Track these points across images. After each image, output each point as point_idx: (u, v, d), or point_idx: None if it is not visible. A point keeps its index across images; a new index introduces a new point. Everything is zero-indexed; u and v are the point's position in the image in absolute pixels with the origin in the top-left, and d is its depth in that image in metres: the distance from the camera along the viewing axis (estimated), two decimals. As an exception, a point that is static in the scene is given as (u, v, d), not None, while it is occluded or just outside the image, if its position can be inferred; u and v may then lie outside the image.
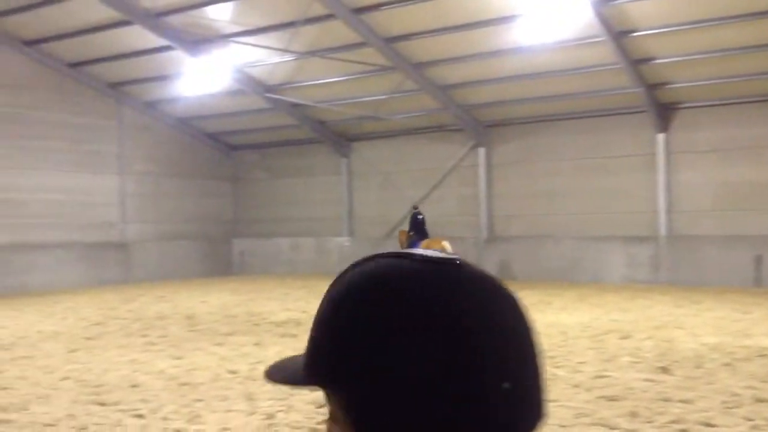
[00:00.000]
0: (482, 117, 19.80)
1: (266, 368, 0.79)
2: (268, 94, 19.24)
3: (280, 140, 23.10)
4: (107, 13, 16.33)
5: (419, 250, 0.77)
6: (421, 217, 19.08)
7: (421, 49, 16.82)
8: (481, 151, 20.10)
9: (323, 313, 0.76)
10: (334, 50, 17.08)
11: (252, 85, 19.25)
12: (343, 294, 0.74)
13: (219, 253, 23.94)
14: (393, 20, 15.76)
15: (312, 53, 17.35)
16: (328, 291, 0.77)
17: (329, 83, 18.86)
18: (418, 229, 18.92)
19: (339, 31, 16.09)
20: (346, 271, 0.77)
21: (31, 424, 5.81)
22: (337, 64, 17.55)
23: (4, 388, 7.18)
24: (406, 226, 20.55)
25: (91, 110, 20.34)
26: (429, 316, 0.70)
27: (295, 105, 20.26)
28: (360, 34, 15.94)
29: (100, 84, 20.38)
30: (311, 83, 19.05)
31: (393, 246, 21.53)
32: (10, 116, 18.48)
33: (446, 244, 18.58)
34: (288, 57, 17.37)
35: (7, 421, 5.90)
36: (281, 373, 0.77)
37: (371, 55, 16.82)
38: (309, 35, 16.55)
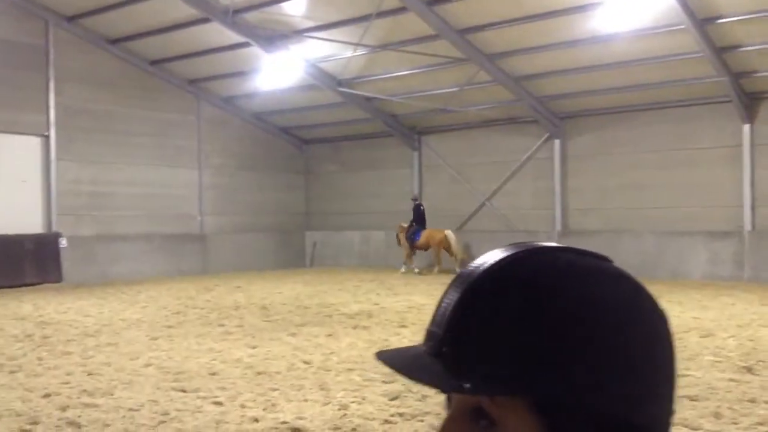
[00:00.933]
0: (557, 108, 19.40)
1: (389, 359, 0.74)
2: (340, 89, 19.42)
3: (352, 134, 23.28)
4: (187, 11, 16.83)
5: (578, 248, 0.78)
6: (422, 208, 20.25)
7: (495, 40, 16.61)
8: (556, 143, 19.71)
9: (510, 313, 0.69)
10: (407, 43, 17.08)
11: (325, 79, 19.46)
12: (533, 296, 0.70)
13: (292, 245, 24.36)
14: (467, 11, 15.61)
15: (384, 47, 17.40)
16: (498, 289, 0.71)
17: (401, 76, 18.87)
18: (420, 220, 19.98)
19: (412, 24, 16.06)
20: (509, 268, 0.72)
21: (116, 408, 6.06)
22: (410, 57, 17.53)
23: (91, 374, 7.50)
24: (482, 219, 20.79)
25: (172, 106, 21.03)
26: (629, 314, 0.72)
27: (367, 99, 20.37)
28: (433, 26, 15.86)
29: (181, 80, 21.03)
30: (383, 77, 19.10)
31: (462, 241, 21.40)
32: (97, 112, 19.30)
33: (450, 233, 19.84)
34: (361, 51, 17.46)
35: (94, 405, 6.17)
36: (421, 373, 0.71)
37: (444, 48, 16.72)
38: (382, 29, 16.60)
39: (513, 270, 0.72)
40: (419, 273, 19.65)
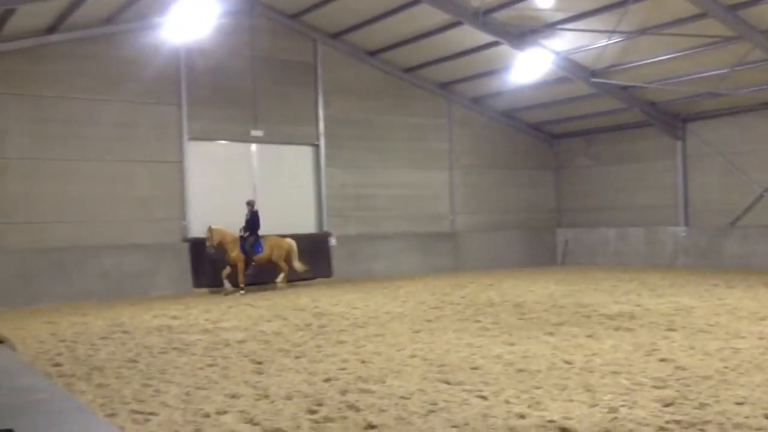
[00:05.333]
0: None
1: None
2: (594, 79, 18.70)
3: (605, 126, 22.33)
4: (439, 17, 17.41)
5: None
6: (258, 214, 16.92)
7: (773, 13, 14.83)
8: None
9: None
10: (668, 26, 15.93)
11: (577, 71, 18.88)
12: None
13: (543, 242, 24.04)
14: (737, -16, 14.14)
15: (642, 32, 16.40)
16: None
17: (661, 61, 17.63)
18: (256, 228, 16.74)
19: (673, 5, 14.94)
20: None
21: (389, 395, 6.45)
22: (671, 40, 16.33)
23: (364, 362, 8.08)
24: (762, 213, 18.66)
25: (425, 110, 21.92)
26: None
27: (623, 87, 19.37)
28: (698, 4, 14.59)
29: (432, 85, 21.82)
30: (640, 63, 18.00)
31: (737, 237, 19.44)
32: (360, 121, 20.79)
33: (292, 242, 17.00)
34: (616, 38, 16.66)
35: (369, 391, 6.64)
36: None
37: (711, 27, 15.31)
38: (639, 13, 15.67)
39: None
40: (244, 293, 16.16)
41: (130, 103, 17.28)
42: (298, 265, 17.05)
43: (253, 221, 16.63)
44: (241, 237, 16.51)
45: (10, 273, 15.42)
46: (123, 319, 12.38)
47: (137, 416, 5.98)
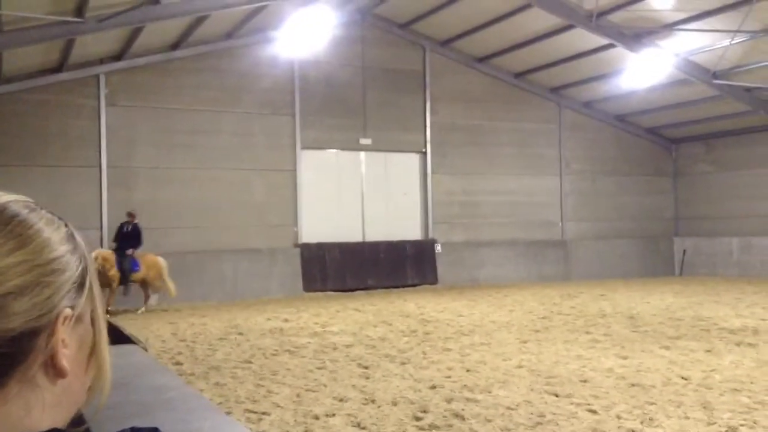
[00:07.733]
0: None
1: None
2: (716, 81, 17.78)
3: (728, 129, 21.16)
4: (550, 22, 17.11)
5: None
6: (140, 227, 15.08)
7: None
8: None
9: None
10: (798, 23, 14.94)
11: (697, 73, 18.02)
12: None
13: (659, 252, 23.03)
14: None
15: (769, 30, 15.46)
16: None
17: (790, 61, 16.54)
18: (138, 243, 14.85)
19: (804, 0, 13.99)
20: None
21: (495, 405, 6.42)
22: (802, 38, 15.30)
23: (469, 370, 8.07)
24: None
25: (534, 115, 21.56)
26: None
27: (748, 89, 18.31)
28: (832, -2, 13.60)
29: (542, 90, 21.44)
30: (767, 64, 16.95)
31: None
32: (467, 128, 20.73)
33: (161, 260, 14.91)
34: (740, 38, 15.77)
35: (475, 400, 6.63)
36: None
37: None
38: (765, 11, 14.77)
39: None
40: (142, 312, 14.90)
41: (248, 114, 18.08)
42: (171, 285, 15.11)
43: (135, 235, 14.90)
44: (115, 252, 14.63)
45: (137, 274, 16.46)
46: (238, 321, 12.96)
47: (251, 415, 6.26)
